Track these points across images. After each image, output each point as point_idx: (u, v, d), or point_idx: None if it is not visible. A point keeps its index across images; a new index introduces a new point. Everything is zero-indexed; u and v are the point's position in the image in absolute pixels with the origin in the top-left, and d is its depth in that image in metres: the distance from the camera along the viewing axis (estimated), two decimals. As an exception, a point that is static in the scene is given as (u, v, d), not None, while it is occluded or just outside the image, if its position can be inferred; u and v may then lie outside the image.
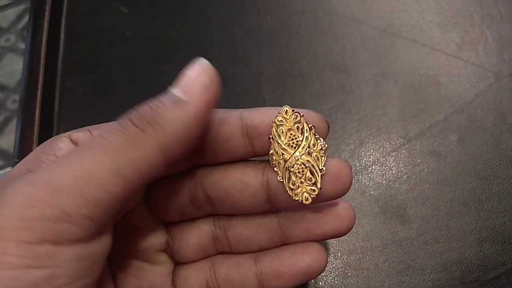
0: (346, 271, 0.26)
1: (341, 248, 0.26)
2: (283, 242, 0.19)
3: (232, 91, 0.31)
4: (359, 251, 0.26)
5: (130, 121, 0.15)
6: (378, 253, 0.26)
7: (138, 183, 0.15)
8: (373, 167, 0.29)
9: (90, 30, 0.35)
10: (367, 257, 0.26)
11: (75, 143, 0.18)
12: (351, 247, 0.26)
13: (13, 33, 0.94)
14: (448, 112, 0.30)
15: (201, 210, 0.19)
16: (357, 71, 0.32)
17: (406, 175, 0.28)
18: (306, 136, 0.17)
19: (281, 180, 0.18)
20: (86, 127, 0.18)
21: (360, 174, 0.29)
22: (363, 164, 0.29)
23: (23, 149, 0.30)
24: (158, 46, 0.34)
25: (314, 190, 0.17)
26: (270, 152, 0.18)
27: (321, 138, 0.18)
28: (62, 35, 0.35)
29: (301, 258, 0.18)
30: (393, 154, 0.29)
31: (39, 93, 0.32)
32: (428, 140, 0.29)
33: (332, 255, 0.26)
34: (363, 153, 0.29)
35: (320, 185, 0.17)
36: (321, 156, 0.17)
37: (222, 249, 0.20)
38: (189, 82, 0.16)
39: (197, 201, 0.19)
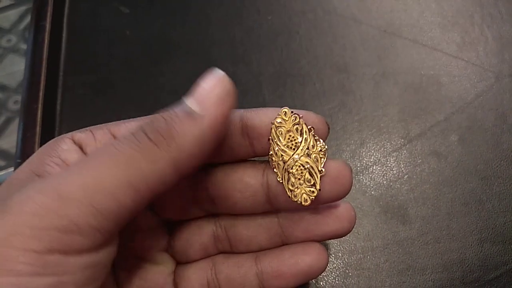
0: (347, 271, 0.26)
1: (342, 248, 0.26)
2: (283, 242, 0.19)
3: (233, 92, 0.31)
4: (360, 251, 0.26)
5: (144, 133, 0.15)
6: (379, 253, 0.26)
7: (148, 196, 0.15)
8: (374, 167, 0.29)
9: (91, 30, 0.35)
10: (368, 257, 0.26)
11: (78, 144, 0.18)
12: (352, 247, 0.26)
13: (14, 34, 0.94)
14: (448, 112, 0.30)
15: (202, 209, 0.19)
16: (358, 71, 0.32)
17: (407, 175, 0.28)
18: (305, 138, 0.17)
19: (281, 181, 0.18)
20: (88, 127, 0.19)
21: (361, 174, 0.29)
22: (364, 164, 0.29)
23: (25, 149, 0.30)
24: (158, 46, 0.34)
25: (313, 192, 0.17)
26: (269, 153, 0.18)
27: (320, 140, 0.18)
28: (64, 35, 0.35)
29: (302, 258, 0.18)
30: (394, 154, 0.29)
31: (41, 94, 0.32)
32: (429, 140, 0.29)
33: (333, 255, 0.26)
34: (364, 153, 0.29)
35: (319, 187, 0.17)
36: (321, 158, 0.17)
37: (223, 249, 0.20)
38: (204, 93, 0.16)
39: (199, 200, 0.19)
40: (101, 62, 0.34)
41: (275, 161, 0.18)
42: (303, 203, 0.17)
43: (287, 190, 0.18)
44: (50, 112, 0.32)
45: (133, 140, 0.15)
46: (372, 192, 0.28)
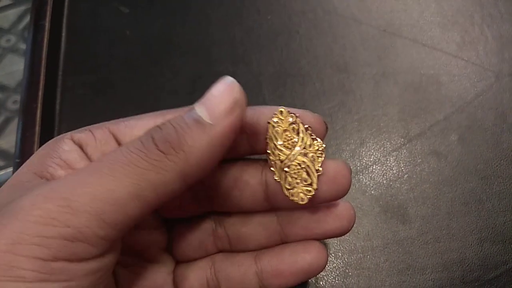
0: (347, 270, 0.26)
1: (341, 248, 0.26)
2: (282, 241, 0.19)
3: (233, 91, 0.31)
4: (360, 250, 0.26)
5: (153, 141, 0.15)
6: (379, 252, 0.26)
7: (155, 205, 0.15)
8: (374, 167, 0.29)
9: (90, 30, 0.35)
10: (368, 256, 0.26)
11: (78, 144, 0.18)
12: (352, 247, 0.26)
13: (13, 34, 0.94)
14: (448, 111, 0.30)
15: (201, 207, 0.19)
16: (357, 71, 0.32)
17: (407, 175, 0.28)
18: (302, 137, 0.17)
19: (278, 180, 0.18)
20: (87, 127, 0.18)
21: (361, 174, 0.29)
22: (364, 163, 0.29)
23: (24, 149, 0.30)
24: (158, 46, 0.34)
25: (310, 191, 0.17)
26: (267, 152, 0.18)
27: (318, 139, 0.18)
28: (63, 35, 0.35)
29: (302, 257, 0.18)
30: (393, 153, 0.29)
31: (40, 93, 0.32)
32: (429, 140, 0.29)
33: (333, 254, 0.26)
34: (363, 152, 0.29)
35: (316, 186, 0.17)
36: (318, 157, 0.17)
37: (223, 247, 0.20)
38: (215, 102, 0.16)
39: (198, 198, 0.19)
40: (101, 61, 0.34)
41: (272, 160, 0.18)
42: (300, 202, 0.17)
43: (284, 189, 0.18)
44: (49, 111, 0.32)
45: (142, 149, 0.15)
46: (372, 192, 0.28)
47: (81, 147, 0.18)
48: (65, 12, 0.36)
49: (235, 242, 0.19)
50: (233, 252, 0.20)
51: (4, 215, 0.14)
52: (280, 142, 0.17)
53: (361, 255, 0.26)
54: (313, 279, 0.26)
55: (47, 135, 0.31)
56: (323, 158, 0.17)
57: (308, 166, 0.17)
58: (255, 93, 0.32)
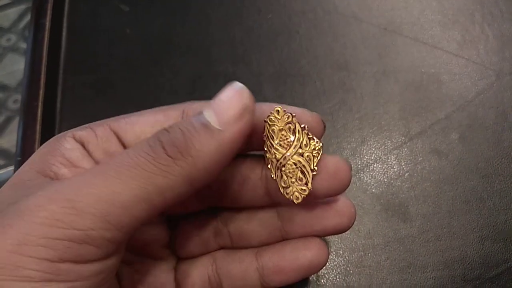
0: (348, 268, 0.26)
1: (343, 246, 0.26)
2: (283, 237, 0.19)
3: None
4: (361, 249, 0.26)
5: (160, 145, 0.15)
6: (380, 251, 0.26)
7: (161, 208, 0.15)
8: (375, 165, 0.29)
9: (91, 29, 0.35)
10: (369, 255, 0.26)
11: (79, 142, 0.18)
12: (353, 245, 0.26)
13: (14, 33, 0.94)
14: (449, 110, 0.30)
15: (203, 203, 0.19)
16: (358, 70, 0.32)
17: (408, 173, 0.28)
18: (298, 137, 0.17)
19: (274, 178, 0.18)
20: (88, 124, 0.18)
21: (362, 172, 0.29)
22: (365, 162, 0.29)
23: (25, 147, 0.30)
24: (159, 46, 0.34)
25: (304, 190, 0.17)
26: (264, 150, 0.18)
27: (315, 138, 0.18)
28: (64, 33, 0.35)
29: (302, 253, 0.18)
30: (394, 152, 0.29)
31: (41, 92, 0.32)
32: (430, 138, 0.29)
33: (334, 252, 0.26)
34: (364, 151, 0.29)
35: (311, 186, 0.17)
36: (314, 156, 0.17)
37: (224, 244, 0.20)
38: (224, 107, 0.16)
39: (199, 193, 0.19)
40: (101, 60, 0.34)
41: (269, 158, 0.18)
42: (294, 201, 0.17)
43: (280, 187, 0.18)
44: (50, 110, 0.32)
45: (149, 152, 0.15)
46: (373, 190, 0.28)
47: (82, 144, 0.18)
48: (66, 11, 0.36)
49: (236, 238, 0.19)
50: (235, 248, 0.20)
51: (9, 215, 0.14)
52: (276, 141, 0.17)
53: (362, 253, 0.26)
54: (314, 277, 0.26)
55: (48, 134, 0.31)
56: (319, 158, 0.17)
57: (303, 165, 0.17)
58: (255, 93, 0.31)
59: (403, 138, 0.30)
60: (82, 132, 0.18)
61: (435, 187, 0.28)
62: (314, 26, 0.34)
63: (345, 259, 0.26)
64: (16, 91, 0.88)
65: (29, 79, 0.32)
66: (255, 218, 0.19)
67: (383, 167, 0.29)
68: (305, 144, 0.17)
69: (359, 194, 0.28)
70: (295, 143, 0.17)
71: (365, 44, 0.33)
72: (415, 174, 0.28)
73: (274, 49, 0.33)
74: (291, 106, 0.18)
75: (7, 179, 0.17)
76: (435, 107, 0.30)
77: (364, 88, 0.31)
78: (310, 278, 0.26)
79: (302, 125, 0.17)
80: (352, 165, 0.29)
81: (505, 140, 0.29)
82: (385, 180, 0.28)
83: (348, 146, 0.30)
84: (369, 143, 0.30)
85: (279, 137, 0.17)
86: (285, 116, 0.17)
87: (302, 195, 0.17)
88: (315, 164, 0.17)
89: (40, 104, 0.31)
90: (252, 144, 0.18)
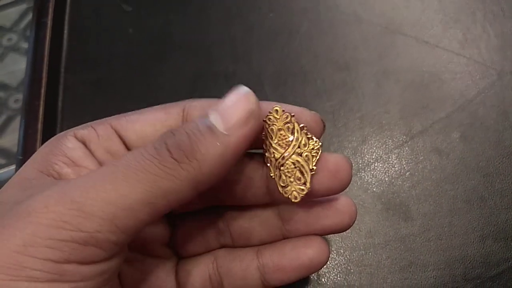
0: (349, 267, 0.26)
1: (343, 245, 0.26)
2: (284, 236, 0.19)
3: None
4: (361, 247, 0.26)
5: (166, 148, 0.15)
6: (380, 249, 0.26)
7: (166, 210, 0.15)
8: (376, 164, 0.29)
9: (93, 28, 0.35)
10: (370, 253, 0.26)
11: (81, 141, 0.18)
12: (354, 244, 0.26)
13: (15, 33, 0.94)
14: (450, 109, 0.30)
15: (204, 201, 0.19)
16: (359, 69, 0.32)
17: (409, 172, 0.28)
18: (297, 137, 0.17)
19: (273, 177, 0.18)
20: (89, 123, 0.19)
21: (363, 171, 0.29)
22: (366, 161, 0.29)
23: (27, 146, 0.30)
24: (159, 45, 0.34)
25: (303, 190, 0.17)
26: (263, 149, 0.18)
27: (314, 137, 0.18)
28: (65, 32, 0.35)
29: (303, 252, 0.18)
30: (395, 151, 0.29)
31: (42, 91, 0.32)
32: (431, 138, 0.29)
33: (334, 251, 0.26)
34: (365, 150, 0.29)
35: (310, 185, 0.17)
36: (313, 156, 0.17)
37: (225, 243, 0.20)
38: (230, 111, 0.16)
39: (202, 193, 0.19)
40: (103, 59, 0.34)
41: (268, 157, 0.18)
42: (292, 200, 0.17)
43: (278, 186, 0.18)
44: (51, 109, 0.32)
45: (155, 155, 0.15)
46: (374, 189, 0.28)
47: (84, 143, 0.18)
48: (67, 10, 0.36)
49: (237, 237, 0.19)
50: (235, 247, 0.20)
51: (15, 216, 0.14)
52: (275, 141, 0.17)
53: (363, 252, 0.26)
54: (315, 276, 0.26)
55: (49, 133, 0.31)
56: (318, 157, 0.17)
57: (302, 165, 0.17)
58: (256, 92, 0.31)
59: (404, 137, 0.30)
60: (83, 131, 0.18)
61: (436, 186, 0.28)
62: (315, 25, 0.34)
63: (346, 258, 0.26)
64: (17, 90, 0.88)
65: (30, 78, 0.32)
66: (256, 217, 0.19)
67: (384, 166, 0.29)
68: (304, 144, 0.17)
69: (360, 193, 0.28)
70: (293, 142, 0.17)
71: (366, 43, 0.33)
72: (416, 173, 0.28)
73: (274, 48, 0.33)
74: (290, 105, 0.18)
75: (8, 179, 0.17)
76: (436, 106, 0.30)
77: (365, 87, 0.31)
78: (311, 277, 0.26)
79: (301, 125, 0.17)
80: (353, 164, 0.29)
81: (506, 139, 0.29)
82: (386, 179, 0.28)
83: (349, 145, 0.30)
84: (370, 142, 0.30)
85: (277, 137, 0.17)
86: (284, 116, 0.17)
87: (301, 195, 0.17)
88: (313, 164, 0.17)
89: (41, 103, 0.31)
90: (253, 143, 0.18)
